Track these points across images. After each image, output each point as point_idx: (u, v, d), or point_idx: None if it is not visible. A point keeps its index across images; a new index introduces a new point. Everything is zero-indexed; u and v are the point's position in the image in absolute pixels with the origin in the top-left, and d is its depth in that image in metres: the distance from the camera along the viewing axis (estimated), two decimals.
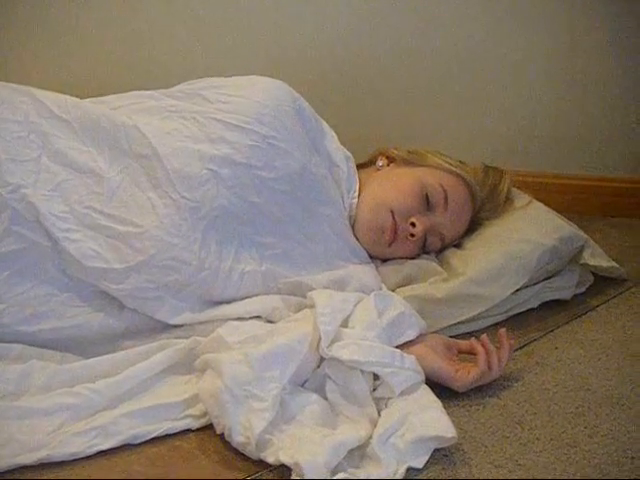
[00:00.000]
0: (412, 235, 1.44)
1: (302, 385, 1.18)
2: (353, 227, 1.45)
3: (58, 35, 1.89)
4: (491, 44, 1.90)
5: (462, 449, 1.11)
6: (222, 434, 1.10)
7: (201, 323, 1.27)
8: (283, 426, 1.09)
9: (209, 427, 1.13)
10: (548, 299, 1.50)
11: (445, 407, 1.13)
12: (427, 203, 1.46)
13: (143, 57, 1.90)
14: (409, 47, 1.91)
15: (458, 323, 1.39)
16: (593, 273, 1.59)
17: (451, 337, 1.33)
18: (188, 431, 1.14)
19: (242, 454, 1.08)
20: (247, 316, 1.28)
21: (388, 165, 1.55)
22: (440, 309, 1.37)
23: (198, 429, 1.14)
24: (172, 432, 1.13)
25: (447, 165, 1.51)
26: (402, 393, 1.14)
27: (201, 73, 1.47)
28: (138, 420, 1.12)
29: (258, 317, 1.28)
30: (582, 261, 1.54)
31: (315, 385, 1.18)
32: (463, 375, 1.22)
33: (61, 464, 1.06)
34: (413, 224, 1.44)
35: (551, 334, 1.43)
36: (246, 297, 1.30)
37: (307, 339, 1.16)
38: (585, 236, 1.55)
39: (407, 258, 1.48)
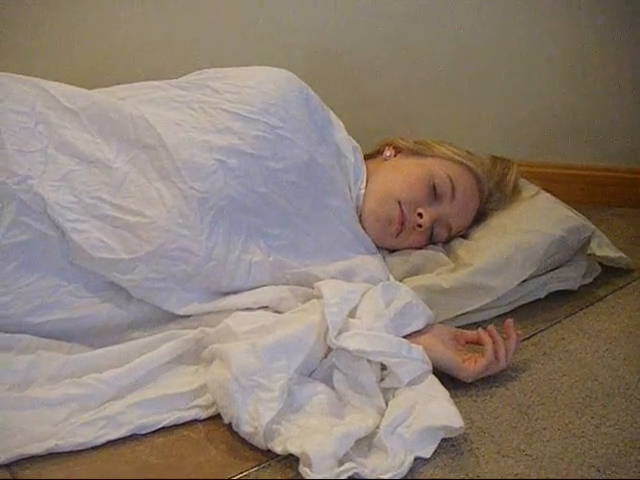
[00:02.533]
0: (419, 226, 1.44)
1: (309, 375, 1.18)
2: (360, 218, 1.45)
3: (62, 27, 1.88)
4: (498, 34, 1.89)
5: (469, 439, 1.11)
6: (230, 424, 1.11)
7: (209, 313, 1.27)
8: (291, 416, 1.10)
9: (217, 417, 1.14)
10: (555, 290, 1.50)
11: (452, 397, 1.14)
12: (434, 193, 1.46)
13: (148, 47, 1.90)
14: (415, 36, 1.90)
15: (465, 313, 1.39)
16: (600, 263, 1.59)
17: (458, 327, 1.33)
18: (196, 421, 1.14)
19: (250, 444, 1.08)
20: (255, 306, 1.28)
21: (395, 156, 1.55)
22: (447, 299, 1.37)
23: (206, 419, 1.14)
24: (180, 422, 1.13)
25: (454, 155, 1.50)
26: (409, 383, 1.14)
27: (207, 64, 1.46)
28: (146, 410, 1.13)
29: (266, 307, 1.28)
30: (589, 251, 1.54)
31: (322, 375, 1.18)
32: (470, 365, 1.22)
33: (69, 454, 1.07)
34: (420, 215, 1.44)
35: (558, 325, 1.43)
36: (254, 288, 1.30)
37: (314, 329, 1.17)
38: (592, 226, 1.54)
39: (414, 248, 1.48)
